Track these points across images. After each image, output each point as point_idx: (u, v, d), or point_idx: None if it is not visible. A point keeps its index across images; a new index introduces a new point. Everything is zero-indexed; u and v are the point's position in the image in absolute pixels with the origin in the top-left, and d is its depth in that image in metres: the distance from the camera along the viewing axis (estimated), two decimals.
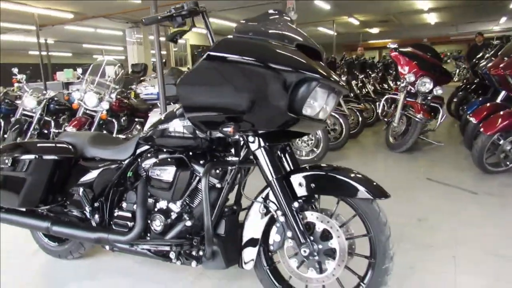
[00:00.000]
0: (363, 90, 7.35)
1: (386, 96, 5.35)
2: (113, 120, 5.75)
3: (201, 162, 1.80)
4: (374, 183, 1.58)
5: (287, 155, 1.83)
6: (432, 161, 4.44)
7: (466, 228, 2.57)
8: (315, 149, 4.43)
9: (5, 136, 6.19)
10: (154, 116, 4.87)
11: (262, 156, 1.62)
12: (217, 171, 1.79)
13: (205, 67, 1.53)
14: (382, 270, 1.54)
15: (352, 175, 1.59)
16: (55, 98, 6.37)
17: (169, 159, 1.85)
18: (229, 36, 1.56)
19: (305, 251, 1.56)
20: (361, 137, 6.09)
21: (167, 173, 1.82)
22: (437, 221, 2.71)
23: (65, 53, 20.48)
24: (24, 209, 2.21)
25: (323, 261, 1.59)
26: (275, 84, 1.45)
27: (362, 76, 7.43)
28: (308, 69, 1.46)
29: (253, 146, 1.63)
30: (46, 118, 6.16)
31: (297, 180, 1.63)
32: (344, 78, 6.58)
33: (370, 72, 8.11)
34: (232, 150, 1.79)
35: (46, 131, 6.14)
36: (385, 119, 5.34)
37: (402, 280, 1.99)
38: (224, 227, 1.80)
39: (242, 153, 1.74)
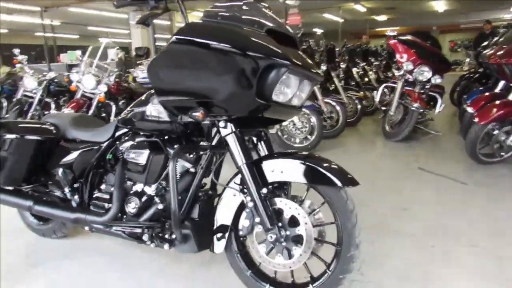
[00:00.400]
0: (365, 78, 7.28)
1: (384, 85, 5.29)
2: (111, 103, 5.76)
3: (175, 146, 1.80)
4: (343, 171, 1.57)
5: (262, 141, 1.83)
6: (427, 151, 4.41)
7: (450, 219, 2.56)
8: (309, 136, 4.42)
9: (7, 116, 6.26)
10: None
11: (232, 142, 1.62)
12: (191, 155, 1.80)
13: (172, 50, 1.53)
14: (347, 258, 1.55)
15: (322, 163, 1.59)
16: (56, 80, 6.40)
17: (143, 143, 1.86)
18: (198, 21, 1.55)
19: (271, 237, 1.57)
20: (359, 125, 6.06)
21: (141, 156, 1.84)
22: (421, 211, 2.70)
23: (71, 35, 20.47)
24: (9, 188, 2.24)
25: (290, 248, 1.60)
26: (241, 69, 1.44)
27: (364, 64, 7.35)
28: (275, 54, 1.45)
29: (224, 132, 1.63)
30: (47, 100, 6.20)
31: (268, 167, 1.63)
32: (344, 66, 6.52)
33: (372, 60, 8.03)
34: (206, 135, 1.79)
35: (46, 112, 6.19)
36: (383, 108, 5.29)
37: (376, 267, 1.99)
38: (197, 211, 1.81)
39: (215, 138, 1.74)
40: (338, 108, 5.13)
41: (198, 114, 1.54)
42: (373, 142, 5.08)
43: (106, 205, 1.98)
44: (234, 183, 1.71)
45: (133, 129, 1.93)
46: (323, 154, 4.19)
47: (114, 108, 5.77)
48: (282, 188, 1.70)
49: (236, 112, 1.57)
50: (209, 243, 1.76)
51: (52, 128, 2.19)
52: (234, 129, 1.63)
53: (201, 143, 1.81)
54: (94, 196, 2.06)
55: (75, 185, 2.10)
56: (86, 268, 2.08)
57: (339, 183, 1.51)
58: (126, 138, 1.98)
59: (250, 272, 1.75)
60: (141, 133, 1.91)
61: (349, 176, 1.56)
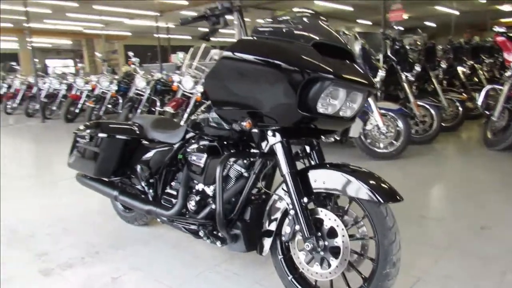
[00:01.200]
0: (475, 78, 6.65)
1: (488, 87, 4.79)
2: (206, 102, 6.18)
3: (232, 151, 1.94)
4: (386, 187, 1.54)
5: (314, 151, 1.86)
6: None
7: None
8: (394, 141, 4.23)
9: (120, 111, 7.12)
10: None
11: (279, 150, 1.69)
12: (245, 161, 1.92)
13: (224, 65, 1.65)
14: (382, 275, 1.51)
15: (365, 176, 1.57)
16: (162, 80, 7.07)
17: (204, 146, 2.03)
18: (246, 37, 1.64)
19: (307, 246, 1.61)
20: (460, 130, 5.58)
21: (202, 159, 2.01)
22: (502, 232, 2.45)
23: (185, 36, 22.17)
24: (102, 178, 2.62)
25: (327, 258, 1.62)
26: (283, 83, 1.50)
27: (473, 62, 6.71)
28: (315, 68, 1.47)
29: (272, 140, 1.71)
30: (153, 98, 6.90)
31: (313, 176, 1.67)
32: (445, 65, 6.02)
33: (485, 58, 7.27)
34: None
35: (153, 109, 6.91)
36: (486, 112, 4.80)
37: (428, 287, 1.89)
38: (249, 214, 1.92)
39: (265, 146, 1.83)
40: (432, 111, 4.81)
41: (246, 123, 1.64)
42: (470, 150, 4.65)
43: (173, 200, 2.20)
44: (282, 189, 1.77)
45: (199, 133, 2.12)
46: (409, 160, 4.09)
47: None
48: (327, 198, 1.72)
49: (281, 122, 1.63)
50: (257, 245, 1.87)
51: (136, 129, 2.49)
52: (281, 139, 1.69)
53: (252, 150, 1.91)
54: (166, 191, 2.30)
55: (151, 180, 2.37)
56: (158, 254, 2.34)
57: (378, 199, 1.49)
58: (193, 141, 2.17)
59: (292, 277, 1.80)
60: (205, 137, 2.09)
61: (391, 192, 1.53)
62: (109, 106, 7.63)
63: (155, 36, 19.59)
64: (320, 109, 1.56)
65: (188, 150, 2.18)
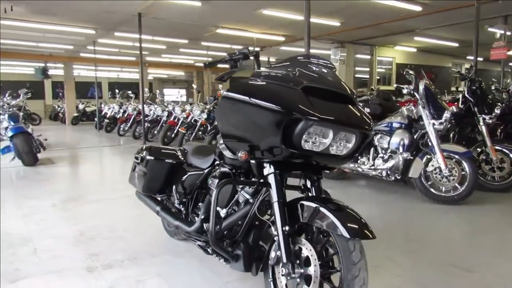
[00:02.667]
0: None
1: None
2: None
3: (228, 179, 2.16)
4: (359, 225, 1.62)
5: (314, 185, 1.98)
6: None
7: None
8: (458, 186, 3.99)
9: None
10: None
11: (271, 181, 1.86)
12: (251, 188, 2.12)
13: (223, 103, 1.91)
14: None
15: (343, 213, 1.66)
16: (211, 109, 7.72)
17: (218, 173, 2.28)
18: (243, 80, 1.88)
19: (282, 270, 1.73)
20: None
21: (215, 183, 2.26)
22: None
23: None
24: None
25: (301, 284, 1.72)
26: (269, 121, 1.70)
27: None
28: (295, 109, 1.64)
29: (266, 171, 1.89)
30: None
31: (299, 208, 1.80)
32: None
33: None
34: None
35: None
36: None
37: None
38: (251, 237, 2.10)
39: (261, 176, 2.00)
40: None
41: (242, 155, 1.86)
42: None
43: (197, 219, 2.48)
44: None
45: (222, 162, 2.38)
46: (473, 207, 3.89)
47: None
48: (309, 229, 1.83)
49: (272, 156, 1.81)
50: (253, 266, 2.03)
51: (179, 154, 2.85)
52: (274, 170, 1.87)
53: (253, 179, 2.10)
54: (194, 210, 2.59)
55: (184, 200, 2.69)
56: (184, 265, 2.61)
57: (345, 234, 1.58)
58: (217, 167, 2.44)
59: None
60: (225, 165, 2.34)
61: (362, 230, 1.60)
62: (200, 132, 8.38)
63: None
64: (306, 146, 1.71)
65: (211, 175, 2.46)
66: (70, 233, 3.24)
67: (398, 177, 4.31)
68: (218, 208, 2.28)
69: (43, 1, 8.35)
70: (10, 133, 6.58)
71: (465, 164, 3.97)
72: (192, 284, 2.37)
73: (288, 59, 1.96)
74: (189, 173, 2.69)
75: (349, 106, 1.82)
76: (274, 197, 1.84)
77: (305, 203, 1.79)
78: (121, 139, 11.15)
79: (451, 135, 4.96)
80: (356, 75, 14.18)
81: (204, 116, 8.29)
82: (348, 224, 1.60)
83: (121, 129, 11.75)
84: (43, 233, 3.26)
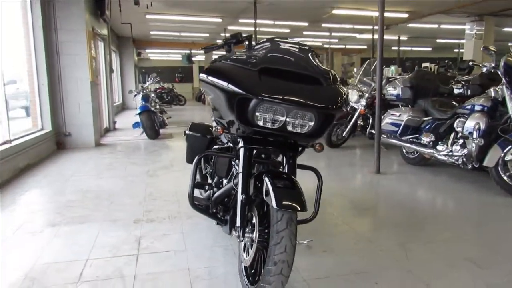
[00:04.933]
0: None
1: None
2: (369, 115, 6.28)
3: (207, 151, 2.41)
4: (292, 198, 1.74)
5: (288, 162, 2.10)
6: None
7: None
8: None
9: None
10: (387, 117, 5.09)
11: (240, 154, 2.07)
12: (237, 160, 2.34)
13: (201, 84, 2.16)
14: (266, 270, 1.73)
15: (282, 187, 1.80)
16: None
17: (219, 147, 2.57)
18: (213, 63, 2.10)
19: (234, 233, 1.95)
20: None
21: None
22: None
23: (424, 48, 21.21)
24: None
25: (248, 247, 1.92)
26: (226, 100, 1.91)
27: None
28: (242, 88, 1.81)
29: (238, 145, 2.11)
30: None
31: (263, 181, 1.97)
32: None
33: None
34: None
35: None
36: None
37: None
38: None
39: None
40: None
41: (218, 130, 2.12)
42: None
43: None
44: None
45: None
46: None
47: (370, 121, 6.27)
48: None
49: (235, 132, 2.02)
50: None
51: (213, 129, 3.20)
52: (243, 145, 2.08)
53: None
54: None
55: (210, 170, 3.04)
56: (206, 227, 2.97)
57: (274, 205, 1.72)
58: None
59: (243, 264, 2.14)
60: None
61: (291, 203, 1.72)
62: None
63: (392, 49, 19.72)
64: (260, 123, 1.88)
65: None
66: (142, 194, 3.92)
67: (476, 165, 3.90)
68: (223, 179, 2.58)
69: None
70: (138, 111, 7.86)
71: None
72: (203, 241, 2.73)
73: (266, 40, 2.12)
74: (214, 146, 3.02)
75: (318, 86, 1.89)
76: (240, 169, 2.04)
77: (265, 177, 1.95)
78: None
79: None
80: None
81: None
82: (281, 197, 1.74)
83: None
84: (124, 192, 4.01)
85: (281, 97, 1.80)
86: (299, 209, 1.73)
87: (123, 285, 2.13)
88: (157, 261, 2.43)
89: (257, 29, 14.03)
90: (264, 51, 2.01)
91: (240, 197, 1.98)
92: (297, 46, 2.08)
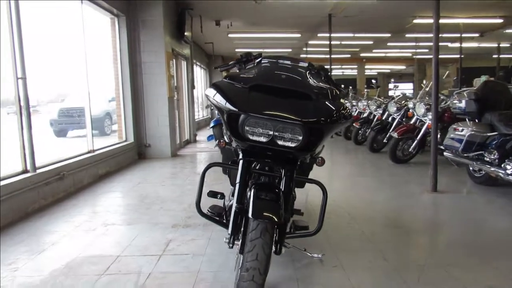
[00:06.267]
0: None
1: None
2: (439, 130, 5.89)
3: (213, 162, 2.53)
4: (269, 210, 1.84)
5: (285, 176, 2.18)
6: None
7: None
8: None
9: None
10: (450, 131, 4.78)
11: (239, 165, 2.21)
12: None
13: (207, 99, 2.35)
14: (239, 275, 1.85)
15: (264, 199, 1.90)
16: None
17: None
18: (216, 81, 2.27)
19: (225, 239, 2.08)
20: None
21: None
22: None
23: None
24: None
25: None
26: (220, 114, 2.09)
27: None
28: (231, 104, 1.96)
29: (239, 157, 2.25)
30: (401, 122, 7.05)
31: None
32: None
33: None
34: None
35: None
36: None
37: None
38: None
39: None
40: None
41: (221, 143, 2.30)
42: None
43: None
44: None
45: None
46: None
47: (439, 135, 5.88)
48: None
49: (235, 144, 2.18)
50: None
51: (216, 143, 3.34)
52: (242, 157, 2.22)
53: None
54: None
55: None
56: None
57: (250, 214, 1.84)
58: None
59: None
60: None
61: (266, 214, 1.82)
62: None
63: (493, 57, 18.05)
64: (251, 137, 2.02)
65: None
66: (190, 201, 4.22)
67: None
68: None
69: (250, 16, 10.02)
70: (212, 124, 8.35)
71: None
72: (222, 247, 2.88)
73: (265, 58, 2.27)
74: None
75: (307, 101, 1.97)
76: (237, 179, 2.18)
77: (252, 188, 2.06)
78: None
79: None
80: None
81: (380, 111, 8.13)
82: (259, 208, 1.85)
83: None
84: (176, 199, 4.36)
85: (265, 112, 1.92)
86: (275, 220, 1.81)
87: (137, 280, 2.39)
88: (174, 262, 2.66)
89: (339, 42, 14.04)
90: (260, 69, 2.15)
91: (234, 206, 2.11)
92: (294, 64, 2.18)
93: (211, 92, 2.14)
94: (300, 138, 1.96)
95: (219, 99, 2.04)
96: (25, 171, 4.09)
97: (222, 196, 2.85)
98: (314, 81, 2.15)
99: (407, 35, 12.99)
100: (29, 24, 4.36)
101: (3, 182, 3.68)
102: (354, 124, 8.50)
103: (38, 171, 4.20)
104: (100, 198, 4.55)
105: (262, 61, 2.28)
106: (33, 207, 4.00)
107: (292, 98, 1.97)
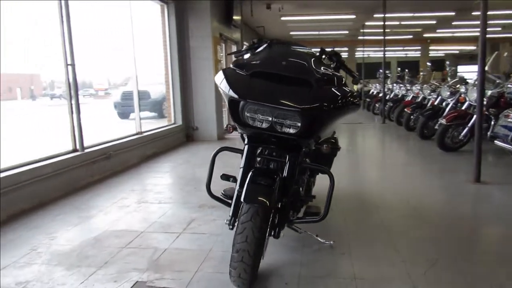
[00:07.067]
0: None
1: None
2: (491, 116, 5.49)
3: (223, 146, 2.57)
4: (261, 195, 1.91)
5: (289, 162, 2.20)
6: None
7: None
8: None
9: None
10: (501, 118, 4.44)
11: (244, 150, 2.27)
12: None
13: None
14: (231, 256, 1.91)
15: (258, 184, 1.96)
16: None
17: None
18: (225, 67, 2.32)
19: (226, 221, 2.16)
20: None
21: None
22: None
23: None
24: None
25: None
26: (225, 100, 2.15)
27: None
28: (233, 90, 2.01)
29: (244, 142, 2.31)
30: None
31: None
32: None
33: None
34: None
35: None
36: None
37: None
38: None
39: None
40: None
41: (229, 128, 2.37)
42: None
43: None
44: None
45: None
46: None
47: (492, 122, 5.49)
48: None
49: (238, 130, 2.24)
50: None
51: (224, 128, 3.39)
52: (247, 143, 2.27)
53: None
54: None
55: None
56: None
57: (241, 199, 1.91)
58: None
59: None
60: None
61: (258, 199, 1.88)
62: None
63: None
64: (252, 123, 2.07)
65: None
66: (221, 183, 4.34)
67: None
68: None
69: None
70: None
71: None
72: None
73: (268, 45, 2.28)
74: None
75: (307, 88, 1.98)
76: (241, 164, 2.25)
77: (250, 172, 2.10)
78: (375, 117, 11.61)
79: None
80: None
81: (434, 96, 7.68)
82: (250, 193, 1.92)
83: (376, 108, 12.20)
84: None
85: (263, 98, 1.95)
86: (267, 204, 1.86)
87: (151, 255, 2.56)
88: (190, 240, 2.80)
89: (398, 22, 13.36)
90: (263, 55, 2.17)
91: (237, 189, 2.18)
92: (299, 50, 2.18)
93: (219, 78, 2.20)
94: (299, 124, 1.97)
95: (223, 86, 2.10)
96: (74, 149, 4.47)
97: (234, 179, 2.93)
98: (319, 67, 2.13)
99: (473, 13, 12.00)
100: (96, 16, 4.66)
101: (56, 159, 4.07)
102: (405, 109, 8.15)
103: (86, 150, 4.56)
104: (142, 177, 4.84)
105: (268, 47, 2.28)
106: (81, 183, 4.37)
107: (292, 85, 1.98)
